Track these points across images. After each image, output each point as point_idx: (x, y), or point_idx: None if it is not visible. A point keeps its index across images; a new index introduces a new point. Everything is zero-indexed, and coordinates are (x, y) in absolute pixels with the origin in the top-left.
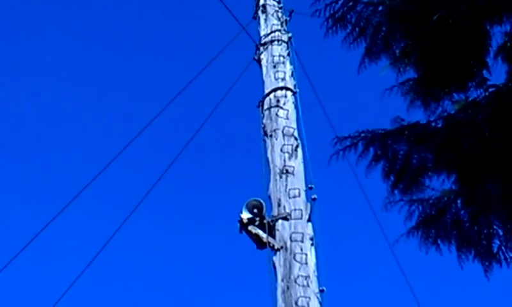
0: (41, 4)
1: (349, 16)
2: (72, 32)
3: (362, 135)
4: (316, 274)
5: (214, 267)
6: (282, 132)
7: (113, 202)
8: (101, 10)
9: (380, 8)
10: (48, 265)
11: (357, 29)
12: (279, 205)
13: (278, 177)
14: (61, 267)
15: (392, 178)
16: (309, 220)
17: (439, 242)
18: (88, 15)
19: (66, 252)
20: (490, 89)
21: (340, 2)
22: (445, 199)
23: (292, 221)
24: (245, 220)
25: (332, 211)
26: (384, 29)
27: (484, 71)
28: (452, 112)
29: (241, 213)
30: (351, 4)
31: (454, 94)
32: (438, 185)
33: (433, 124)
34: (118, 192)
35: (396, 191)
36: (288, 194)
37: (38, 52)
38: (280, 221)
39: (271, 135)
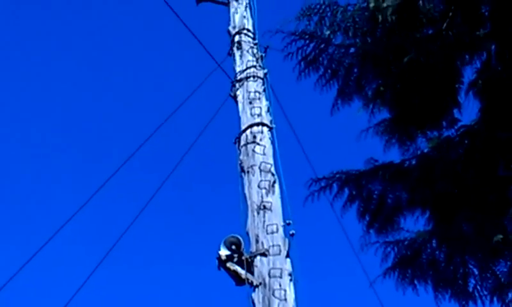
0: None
1: (321, 59)
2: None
3: (337, 176)
4: None
5: (193, 304)
6: (259, 168)
7: (87, 246)
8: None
9: (351, 50)
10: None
11: (329, 71)
12: (257, 241)
13: (255, 213)
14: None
15: (367, 217)
16: (287, 256)
17: (415, 282)
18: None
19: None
20: (462, 129)
21: (311, 45)
22: (420, 239)
23: (271, 257)
24: (223, 257)
25: (311, 247)
26: (356, 70)
27: (456, 110)
28: (426, 150)
29: (219, 250)
30: (322, 46)
31: (428, 132)
32: (413, 224)
33: (407, 163)
34: (93, 233)
35: (371, 230)
36: (266, 230)
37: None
38: (258, 257)
39: (248, 172)
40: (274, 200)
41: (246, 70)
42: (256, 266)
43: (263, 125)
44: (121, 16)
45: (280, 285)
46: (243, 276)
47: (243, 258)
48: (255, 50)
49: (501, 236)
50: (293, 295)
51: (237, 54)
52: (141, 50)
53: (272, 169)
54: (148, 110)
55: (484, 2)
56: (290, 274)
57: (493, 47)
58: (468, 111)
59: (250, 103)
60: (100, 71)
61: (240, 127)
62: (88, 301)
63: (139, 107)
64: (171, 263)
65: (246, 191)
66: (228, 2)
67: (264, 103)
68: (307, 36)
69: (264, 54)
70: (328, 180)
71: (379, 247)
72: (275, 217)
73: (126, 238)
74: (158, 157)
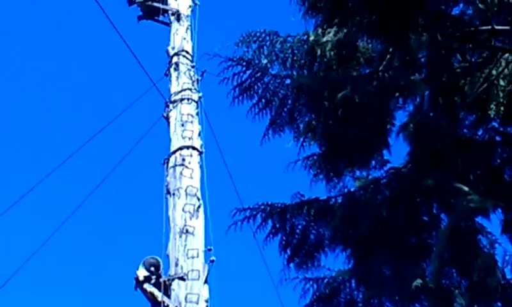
0: None
1: (256, 87)
2: None
3: (261, 207)
4: None
5: None
6: (185, 191)
7: None
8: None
9: (287, 81)
10: None
11: (263, 100)
12: (176, 265)
13: (177, 236)
14: None
15: (288, 251)
16: (206, 282)
17: None
18: None
19: None
20: (390, 171)
21: (248, 72)
22: (340, 278)
23: (189, 282)
24: (141, 278)
25: (233, 275)
26: (289, 102)
27: (385, 151)
28: (353, 189)
29: (137, 270)
30: (259, 74)
31: (357, 170)
32: (334, 261)
33: (333, 200)
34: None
35: (291, 264)
36: (187, 254)
37: None
38: (176, 281)
39: (173, 194)
40: (198, 225)
41: (181, 91)
42: (174, 289)
43: (193, 148)
44: (59, 26)
45: None
46: (159, 299)
47: (161, 280)
48: (192, 73)
49: (420, 281)
50: None
51: (174, 75)
52: (77, 63)
53: (198, 194)
54: (79, 124)
55: (421, 49)
56: (206, 300)
57: (427, 92)
58: (398, 153)
59: (182, 125)
60: (32, 79)
61: (170, 149)
62: None
63: (70, 121)
64: (90, 281)
65: (170, 213)
66: (170, 23)
67: (196, 126)
68: (244, 63)
69: (200, 78)
70: (252, 211)
71: (299, 283)
72: (197, 242)
73: (44, 252)
74: (84, 172)
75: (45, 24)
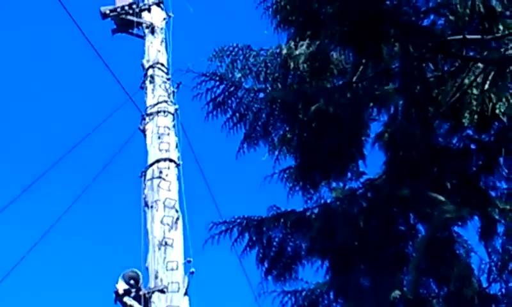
0: None
1: (229, 102)
2: None
3: (238, 221)
4: None
5: None
6: (163, 203)
7: None
8: None
9: (261, 95)
10: None
11: (237, 114)
12: (156, 277)
13: (156, 249)
14: None
15: (266, 264)
16: (186, 293)
17: None
18: None
19: None
20: (366, 182)
21: (221, 87)
22: (318, 291)
23: (169, 294)
24: (121, 291)
25: (212, 285)
26: (264, 115)
27: (361, 162)
28: (329, 200)
29: (117, 283)
30: (232, 89)
31: (333, 182)
32: (312, 274)
33: (309, 212)
34: None
35: (269, 277)
36: (166, 267)
37: None
38: (157, 294)
39: (151, 206)
40: (177, 237)
41: (157, 104)
42: (154, 302)
43: (170, 160)
44: (33, 39)
45: None
46: None
47: (141, 293)
48: (168, 85)
49: (398, 292)
50: None
51: (150, 87)
52: (51, 77)
53: (177, 206)
54: (54, 139)
55: (394, 59)
56: None
57: (400, 102)
58: (374, 163)
59: (159, 138)
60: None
61: (147, 161)
62: None
63: (44, 135)
64: (69, 297)
65: (149, 226)
66: (144, 35)
67: (173, 138)
68: (217, 78)
69: (176, 90)
70: (228, 224)
71: (277, 296)
72: (176, 254)
73: (21, 267)
74: (60, 187)
75: (20, 37)
